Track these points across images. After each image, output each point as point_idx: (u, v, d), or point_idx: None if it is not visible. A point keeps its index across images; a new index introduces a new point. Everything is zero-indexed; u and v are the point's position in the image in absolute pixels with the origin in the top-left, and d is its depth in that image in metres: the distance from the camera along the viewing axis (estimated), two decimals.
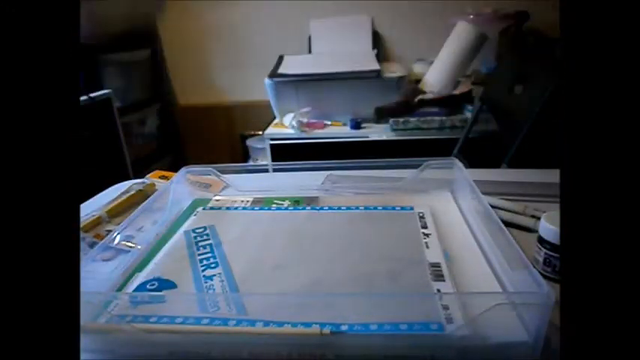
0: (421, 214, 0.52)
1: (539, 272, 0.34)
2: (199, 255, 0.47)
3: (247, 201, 0.60)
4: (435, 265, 0.42)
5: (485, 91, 1.23)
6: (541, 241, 0.43)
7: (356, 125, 1.35)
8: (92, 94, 1.38)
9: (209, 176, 0.63)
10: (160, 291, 0.41)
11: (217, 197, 0.62)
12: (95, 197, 0.69)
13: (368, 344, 0.33)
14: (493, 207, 0.47)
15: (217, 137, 2.07)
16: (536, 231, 0.45)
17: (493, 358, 0.32)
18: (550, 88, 0.88)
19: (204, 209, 0.58)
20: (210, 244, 0.49)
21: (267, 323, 0.34)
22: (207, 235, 0.51)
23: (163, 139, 2.00)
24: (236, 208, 0.58)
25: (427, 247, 0.45)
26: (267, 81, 1.38)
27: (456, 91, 1.39)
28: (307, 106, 1.38)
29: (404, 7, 1.77)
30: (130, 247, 0.49)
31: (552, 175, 0.64)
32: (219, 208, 0.58)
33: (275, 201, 0.60)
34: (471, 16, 1.54)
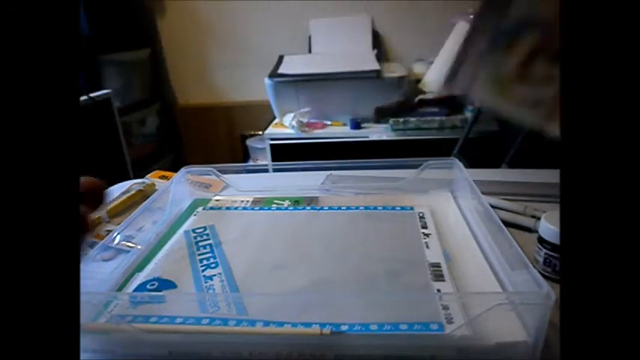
0: (421, 214, 0.52)
1: (539, 272, 0.34)
2: (199, 255, 0.47)
3: (247, 201, 0.60)
4: (435, 265, 0.42)
5: None
6: (541, 241, 0.43)
7: (356, 125, 1.35)
8: (92, 94, 1.38)
9: (209, 176, 0.63)
10: (160, 291, 0.41)
11: (217, 197, 0.62)
12: None
13: (368, 344, 0.33)
14: (493, 207, 0.47)
15: (217, 137, 2.07)
16: (536, 231, 0.45)
17: (493, 358, 0.32)
18: None
19: (204, 209, 0.58)
20: (210, 244, 0.49)
21: (267, 323, 0.34)
22: (207, 235, 0.51)
23: (163, 139, 2.00)
24: (236, 208, 0.58)
25: (427, 247, 0.45)
26: (267, 81, 1.38)
27: None
28: (307, 106, 1.38)
29: (404, 7, 1.76)
30: (130, 247, 0.49)
31: (552, 175, 0.64)
32: (219, 208, 0.58)
33: (275, 201, 0.60)
34: (471, 16, 1.54)
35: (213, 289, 0.41)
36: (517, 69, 0.30)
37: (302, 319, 0.34)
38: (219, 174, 0.63)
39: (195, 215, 0.56)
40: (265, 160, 1.49)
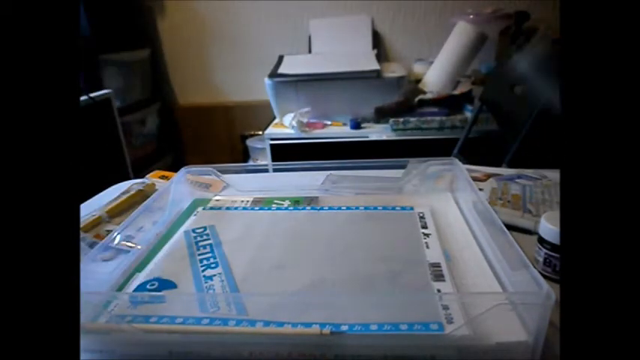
0: (421, 214, 0.52)
1: (539, 272, 0.34)
2: (199, 255, 0.47)
3: (247, 201, 0.60)
4: (435, 265, 0.42)
5: (485, 91, 1.23)
6: (541, 241, 0.43)
7: (356, 125, 1.35)
8: (92, 94, 1.38)
9: (209, 176, 0.63)
10: (160, 291, 0.41)
11: (217, 197, 0.62)
12: (95, 197, 0.69)
13: (368, 344, 0.33)
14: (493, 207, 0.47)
15: (217, 137, 2.07)
16: (536, 233, 0.45)
17: (493, 358, 0.32)
18: (550, 88, 0.88)
19: (204, 209, 0.58)
20: (211, 244, 0.49)
21: (267, 323, 0.34)
22: (207, 235, 0.51)
23: (163, 139, 2.00)
24: (236, 208, 0.58)
25: (427, 247, 0.45)
26: (267, 81, 1.38)
27: (456, 91, 1.39)
28: (307, 106, 1.38)
29: (404, 7, 1.77)
30: (130, 247, 0.49)
31: (552, 175, 0.64)
32: (219, 208, 0.58)
33: (275, 201, 0.60)
34: (471, 16, 1.54)
35: (213, 289, 0.41)
36: None
37: (302, 319, 0.34)
38: (219, 174, 0.63)
39: (195, 215, 0.56)
40: (265, 160, 1.49)
